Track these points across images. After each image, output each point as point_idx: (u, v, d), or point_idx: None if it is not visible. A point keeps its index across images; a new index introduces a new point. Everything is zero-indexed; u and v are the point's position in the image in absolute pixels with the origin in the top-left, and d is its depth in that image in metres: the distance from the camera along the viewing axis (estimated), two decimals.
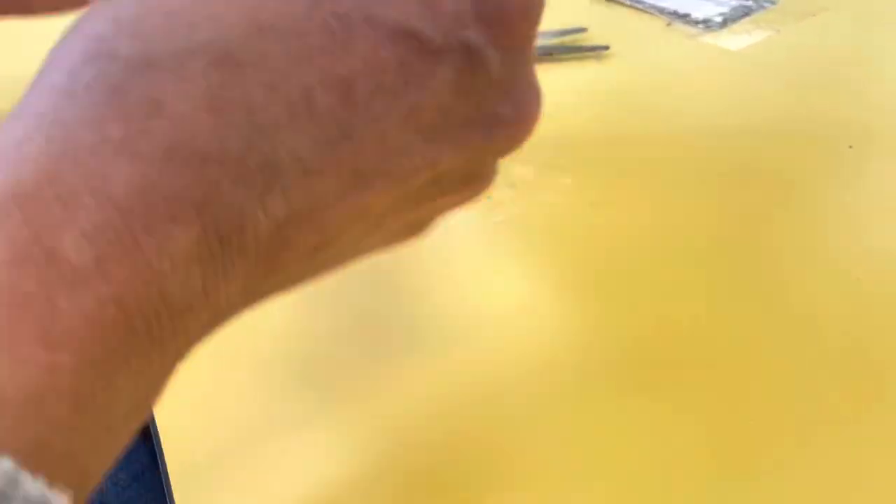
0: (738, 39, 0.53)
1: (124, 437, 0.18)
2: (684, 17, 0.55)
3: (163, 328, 0.17)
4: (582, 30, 0.52)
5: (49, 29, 0.22)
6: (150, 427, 0.28)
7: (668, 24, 0.54)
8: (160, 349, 0.17)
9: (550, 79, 0.48)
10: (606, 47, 0.50)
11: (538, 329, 0.31)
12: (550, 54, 0.50)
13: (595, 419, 0.27)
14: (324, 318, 0.31)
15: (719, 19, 0.55)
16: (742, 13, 0.56)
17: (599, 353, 0.29)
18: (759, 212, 0.37)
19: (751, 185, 0.38)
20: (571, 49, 0.51)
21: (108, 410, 0.17)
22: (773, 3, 0.58)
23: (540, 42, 0.51)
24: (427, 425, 0.27)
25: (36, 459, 0.14)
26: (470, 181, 0.22)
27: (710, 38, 0.53)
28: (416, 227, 0.23)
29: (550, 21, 0.53)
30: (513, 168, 0.39)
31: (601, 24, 0.53)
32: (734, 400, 0.28)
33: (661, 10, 0.56)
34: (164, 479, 0.27)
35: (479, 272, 0.33)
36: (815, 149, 0.41)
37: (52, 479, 0.15)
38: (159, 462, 0.27)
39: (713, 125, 0.43)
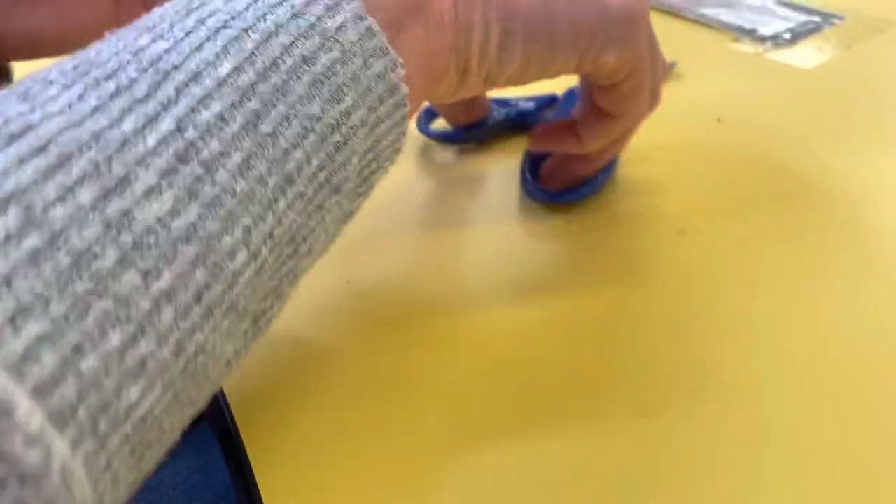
0: (809, 57, 0.51)
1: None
2: (751, 33, 0.53)
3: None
4: None
5: None
6: (239, 453, 0.27)
7: (736, 40, 0.53)
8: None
9: None
10: (673, 64, 0.49)
11: (623, 359, 0.29)
12: None
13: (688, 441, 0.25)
14: (414, 327, 0.30)
15: (787, 36, 0.53)
16: (810, 29, 0.54)
17: (685, 381, 0.28)
18: (843, 235, 0.35)
19: (835, 209, 0.36)
20: None
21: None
22: (840, 18, 0.56)
23: None
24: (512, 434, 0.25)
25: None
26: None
27: (780, 56, 0.51)
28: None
29: None
30: None
31: (666, 40, 0.51)
32: (827, 428, 0.26)
33: (727, 26, 0.54)
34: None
35: (563, 298, 0.32)
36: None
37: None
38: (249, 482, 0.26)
39: (793, 146, 0.41)
